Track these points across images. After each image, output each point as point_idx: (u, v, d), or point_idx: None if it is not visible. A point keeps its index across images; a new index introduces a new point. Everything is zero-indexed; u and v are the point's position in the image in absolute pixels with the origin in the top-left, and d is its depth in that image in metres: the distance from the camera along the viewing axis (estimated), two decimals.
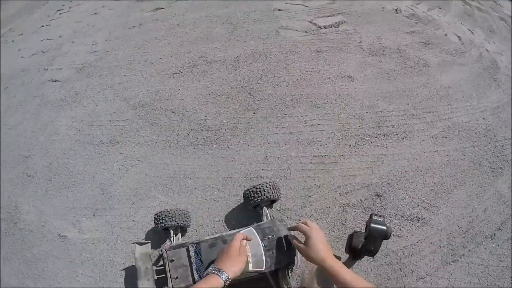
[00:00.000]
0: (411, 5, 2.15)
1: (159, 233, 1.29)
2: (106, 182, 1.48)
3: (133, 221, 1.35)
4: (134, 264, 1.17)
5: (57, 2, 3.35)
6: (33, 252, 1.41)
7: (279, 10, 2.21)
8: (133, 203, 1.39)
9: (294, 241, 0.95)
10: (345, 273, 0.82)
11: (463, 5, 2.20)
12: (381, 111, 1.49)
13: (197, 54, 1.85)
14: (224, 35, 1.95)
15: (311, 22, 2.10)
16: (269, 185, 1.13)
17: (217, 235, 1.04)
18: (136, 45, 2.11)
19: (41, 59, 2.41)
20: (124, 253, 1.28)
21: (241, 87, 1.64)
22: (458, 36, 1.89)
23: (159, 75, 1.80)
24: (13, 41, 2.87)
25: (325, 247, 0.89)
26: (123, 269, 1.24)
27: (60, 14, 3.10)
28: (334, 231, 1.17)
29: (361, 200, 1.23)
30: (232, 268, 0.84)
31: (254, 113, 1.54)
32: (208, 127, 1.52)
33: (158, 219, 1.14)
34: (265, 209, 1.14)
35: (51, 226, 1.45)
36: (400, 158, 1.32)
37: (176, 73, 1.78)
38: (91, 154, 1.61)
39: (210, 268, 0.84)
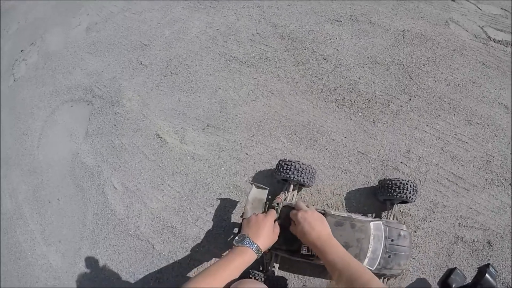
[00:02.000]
0: None
1: (268, 177, 1.18)
2: (228, 101, 1.37)
3: (246, 154, 1.23)
4: (233, 199, 1.08)
5: None
6: (122, 141, 1.34)
7: (453, 0, 1.91)
8: (253, 135, 1.27)
9: (292, 225, 0.86)
10: (334, 252, 0.72)
11: None
12: None
13: (360, 9, 1.62)
14: (392, 1, 1.70)
15: (482, 29, 1.81)
16: (414, 186, 0.98)
17: (345, 215, 0.91)
18: None
19: None
20: (224, 183, 1.17)
21: (403, 65, 1.43)
22: None
23: (316, 15, 1.60)
24: None
25: (314, 229, 0.77)
26: (217, 198, 1.14)
27: None
28: (438, 258, 1.06)
29: (473, 241, 1.08)
30: (263, 242, 0.78)
31: (410, 99, 1.34)
32: (359, 91, 1.34)
33: (284, 167, 0.99)
34: (395, 207, 1.01)
35: (151, 122, 1.36)
36: None
37: (334, 20, 1.57)
38: (220, 66, 1.48)
39: (241, 239, 0.77)
